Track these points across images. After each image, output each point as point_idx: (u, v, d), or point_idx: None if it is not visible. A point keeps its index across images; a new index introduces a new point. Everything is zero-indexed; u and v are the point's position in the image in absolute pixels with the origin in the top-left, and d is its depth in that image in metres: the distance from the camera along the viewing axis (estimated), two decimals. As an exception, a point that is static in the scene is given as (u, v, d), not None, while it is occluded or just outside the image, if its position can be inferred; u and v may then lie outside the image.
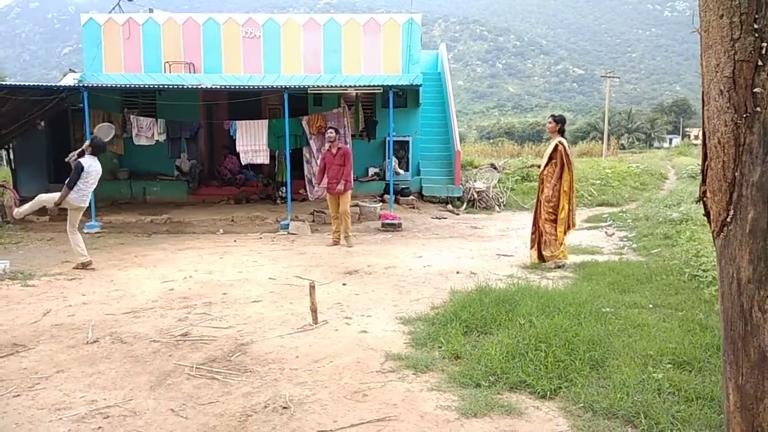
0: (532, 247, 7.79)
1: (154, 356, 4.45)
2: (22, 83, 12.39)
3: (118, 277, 7.25)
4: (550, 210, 7.48)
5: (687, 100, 72.55)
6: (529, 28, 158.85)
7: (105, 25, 15.45)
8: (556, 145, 7.39)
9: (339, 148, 9.69)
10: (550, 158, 7.47)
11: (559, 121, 7.58)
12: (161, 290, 6.53)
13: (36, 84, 13.12)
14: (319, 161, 12.87)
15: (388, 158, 13.63)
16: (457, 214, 14.42)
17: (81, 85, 12.26)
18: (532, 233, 7.79)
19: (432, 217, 13.55)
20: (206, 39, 15.52)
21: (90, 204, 11.56)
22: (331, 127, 10.13)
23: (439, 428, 3.28)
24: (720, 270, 2.10)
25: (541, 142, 49.04)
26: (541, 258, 7.62)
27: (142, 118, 13.34)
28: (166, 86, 13.18)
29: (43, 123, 14.76)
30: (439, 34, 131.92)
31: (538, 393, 3.64)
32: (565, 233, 7.52)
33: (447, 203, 15.25)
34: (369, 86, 12.80)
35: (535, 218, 7.74)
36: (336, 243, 9.72)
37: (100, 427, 3.32)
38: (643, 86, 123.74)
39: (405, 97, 15.77)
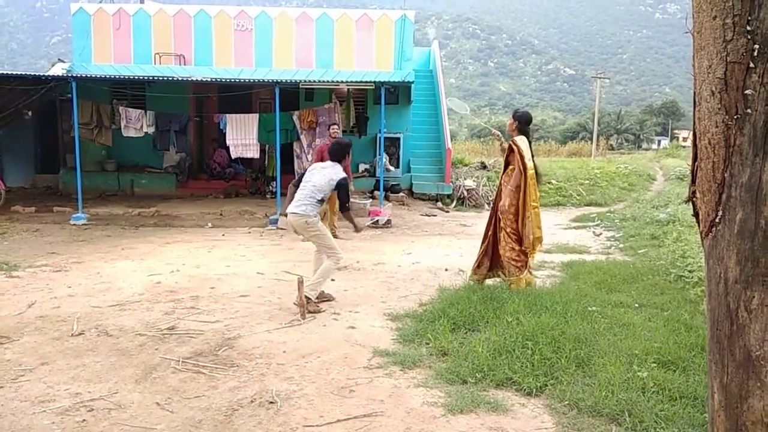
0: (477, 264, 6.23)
1: (139, 349, 4.42)
2: (9, 72, 12.20)
3: (105, 270, 7.18)
4: (510, 229, 5.95)
5: (676, 102, 73.08)
6: (522, 28, 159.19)
7: (95, 15, 15.26)
8: (511, 146, 6.00)
9: None
10: (507, 162, 6.08)
11: (519, 118, 6.08)
12: (148, 283, 6.48)
13: (24, 73, 12.94)
14: (310, 155, 12.89)
15: (379, 155, 13.62)
16: (447, 212, 14.45)
17: (70, 75, 12.11)
18: (482, 248, 6.22)
19: (422, 215, 13.56)
20: (197, 31, 15.39)
21: (77, 195, 11.54)
22: (335, 123, 10.34)
23: (425, 424, 3.28)
24: (707, 270, 2.12)
25: (531, 141, 49.13)
26: (484, 275, 6.15)
27: (131, 109, 13.23)
28: (155, 78, 13.06)
29: (30, 113, 14.59)
30: (432, 31, 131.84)
31: (524, 390, 3.65)
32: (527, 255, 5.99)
33: (437, 201, 15.27)
34: (361, 82, 12.78)
35: (486, 232, 6.22)
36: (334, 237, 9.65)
37: (84, 420, 3.29)
38: (633, 87, 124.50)
39: (397, 93, 15.75)
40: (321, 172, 5.55)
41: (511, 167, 6.02)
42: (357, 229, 6.04)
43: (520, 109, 6.41)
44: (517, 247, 5.95)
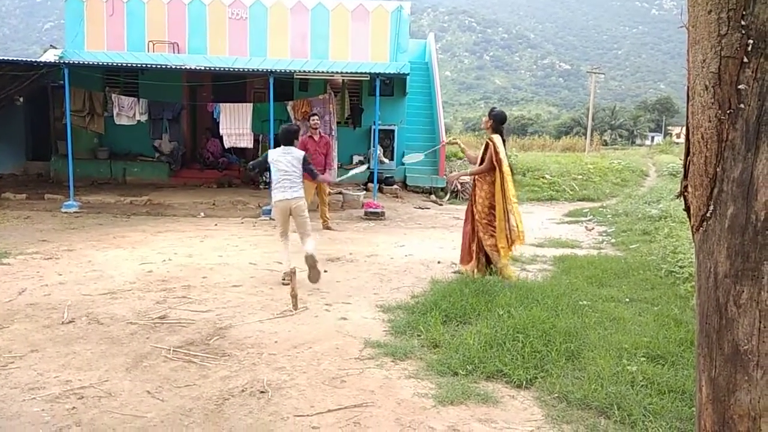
0: (466, 261, 6.47)
1: (130, 338, 4.41)
2: (1, 58, 12.06)
3: (96, 258, 7.14)
4: (486, 221, 6.23)
5: (670, 99, 73.22)
6: (518, 21, 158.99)
7: (88, 1, 15.10)
8: (487, 144, 6.24)
9: (321, 136, 9.73)
10: (482, 159, 6.29)
11: (494, 117, 6.29)
12: (139, 272, 6.46)
13: (15, 59, 12.80)
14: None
15: (373, 147, 13.59)
16: (441, 205, 14.45)
17: (62, 61, 11.99)
18: (468, 245, 6.46)
19: (415, 207, 13.56)
20: (191, 19, 15.26)
21: (69, 182, 11.46)
22: (314, 114, 10.09)
23: (415, 415, 3.30)
24: (698, 264, 2.12)
25: (525, 136, 49.23)
26: (484, 271, 6.31)
27: (123, 97, 13.13)
28: (149, 65, 12.95)
29: (21, 99, 14.45)
30: (427, 23, 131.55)
31: (514, 382, 3.67)
32: (509, 248, 6.17)
33: (430, 193, 15.27)
34: (356, 73, 12.72)
35: (472, 228, 6.41)
36: (328, 228, 9.80)
37: (74, 408, 3.28)
38: (628, 83, 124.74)
39: (392, 85, 15.70)
40: (287, 158, 6.18)
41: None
42: (330, 183, 7.04)
43: (495, 108, 6.66)
44: (496, 234, 6.17)
